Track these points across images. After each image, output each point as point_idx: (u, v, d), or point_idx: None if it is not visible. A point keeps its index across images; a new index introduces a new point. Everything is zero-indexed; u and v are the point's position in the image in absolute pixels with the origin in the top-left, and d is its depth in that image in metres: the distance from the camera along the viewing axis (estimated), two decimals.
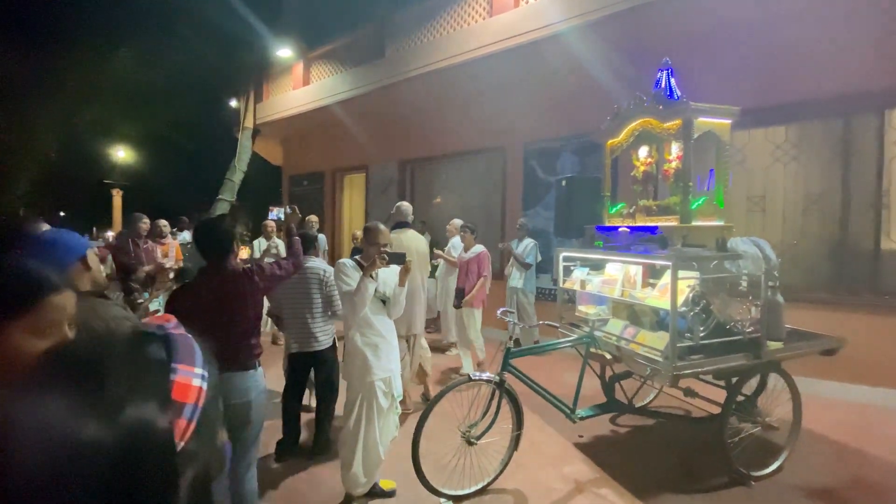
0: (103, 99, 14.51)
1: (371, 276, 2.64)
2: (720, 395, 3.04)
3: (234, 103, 11.49)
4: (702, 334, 2.65)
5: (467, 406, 2.88)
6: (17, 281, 0.96)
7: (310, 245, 3.40)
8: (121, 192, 18.92)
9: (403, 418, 3.14)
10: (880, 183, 4.28)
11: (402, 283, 2.75)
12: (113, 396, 0.46)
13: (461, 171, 7.69)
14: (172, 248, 5.23)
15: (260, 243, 6.58)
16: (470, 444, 2.84)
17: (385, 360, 2.71)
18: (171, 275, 4.64)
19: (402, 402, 3.33)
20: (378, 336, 2.71)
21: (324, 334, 3.31)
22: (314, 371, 3.39)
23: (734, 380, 2.92)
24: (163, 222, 5.25)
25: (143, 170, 18.92)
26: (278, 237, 6.49)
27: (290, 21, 10.60)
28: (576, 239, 3.78)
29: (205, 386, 0.55)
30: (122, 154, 18.40)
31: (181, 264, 5.01)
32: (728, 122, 2.88)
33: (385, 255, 2.62)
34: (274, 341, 6.43)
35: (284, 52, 9.54)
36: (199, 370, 0.55)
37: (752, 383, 3.02)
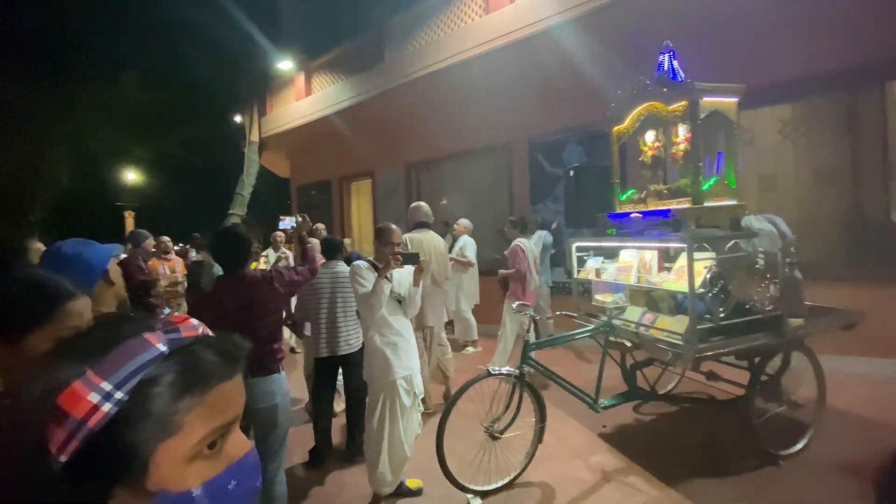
0: (112, 123, 14.86)
1: (386, 278, 2.67)
2: (743, 377, 3.02)
3: (238, 119, 11.67)
4: (721, 315, 2.63)
5: (489, 401, 2.90)
6: (33, 292, 0.98)
7: (336, 250, 3.48)
8: (133, 214, 19.27)
9: (424, 418, 3.15)
10: (887, 155, 4.22)
11: (416, 283, 2.77)
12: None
13: (467, 170, 7.71)
14: (178, 263, 5.29)
15: (269, 255, 6.66)
16: (494, 438, 2.85)
17: (405, 359, 2.74)
18: (181, 289, 4.71)
19: (423, 402, 3.35)
20: (397, 335, 2.74)
21: (355, 338, 3.34)
22: (345, 375, 3.41)
23: (757, 360, 2.89)
24: (166, 238, 5.29)
25: (153, 190, 19.29)
26: (286, 248, 6.57)
27: (289, 33, 10.75)
28: (587, 228, 3.77)
29: (107, 409, 0.46)
30: (132, 176, 18.76)
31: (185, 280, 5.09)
32: (734, 100, 2.86)
33: (399, 256, 2.65)
34: (292, 350, 6.50)
35: (285, 64, 9.67)
36: (107, 386, 0.46)
37: (776, 362, 2.99)
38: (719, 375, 3.23)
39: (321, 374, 3.44)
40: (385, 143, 8.75)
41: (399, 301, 2.80)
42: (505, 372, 2.87)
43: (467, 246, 5.66)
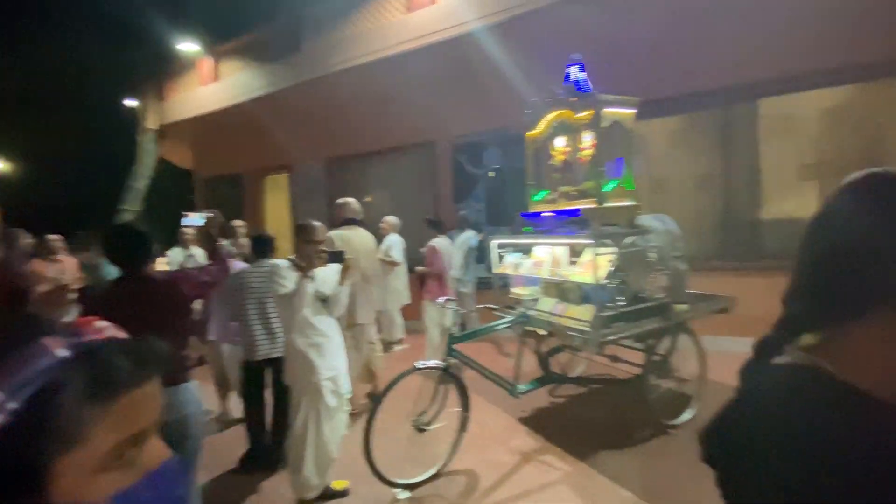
0: None
1: (308, 276, 2.60)
2: (639, 358, 3.40)
3: (132, 103, 10.42)
4: (621, 303, 2.94)
5: (416, 395, 2.95)
6: None
7: (267, 247, 3.30)
8: None
9: (351, 418, 3.13)
10: (756, 163, 5.00)
11: (342, 281, 2.74)
12: None
13: (391, 167, 7.67)
14: (70, 265, 4.71)
15: (175, 254, 6.08)
16: (421, 431, 2.92)
17: (330, 359, 2.69)
18: (73, 295, 4.15)
19: (349, 401, 3.32)
20: (321, 336, 2.68)
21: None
22: (275, 377, 3.23)
23: (650, 342, 3.27)
24: (54, 237, 4.73)
25: (24, 183, 16.43)
26: (197, 246, 6.06)
27: (193, 11, 9.82)
28: (506, 226, 3.98)
29: None
30: None
31: (79, 283, 4.51)
32: (632, 111, 3.19)
33: (323, 254, 2.59)
34: (201, 359, 6.00)
35: (188, 45, 8.82)
36: None
37: (666, 343, 3.41)
38: (620, 358, 3.61)
39: (251, 379, 3.26)
40: (304, 137, 8.39)
41: (323, 301, 2.74)
42: (431, 365, 2.94)
43: (394, 245, 5.63)
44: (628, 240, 3.06)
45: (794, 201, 4.94)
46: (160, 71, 9.86)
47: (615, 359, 3.59)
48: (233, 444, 3.33)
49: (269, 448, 3.25)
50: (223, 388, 4.06)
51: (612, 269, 2.92)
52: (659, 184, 5.52)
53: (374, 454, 2.71)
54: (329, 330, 2.73)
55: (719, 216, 5.25)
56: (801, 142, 4.89)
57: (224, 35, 8.66)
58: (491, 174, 4.00)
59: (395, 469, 2.81)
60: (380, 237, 6.01)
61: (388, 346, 5.93)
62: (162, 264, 6.12)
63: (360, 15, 6.72)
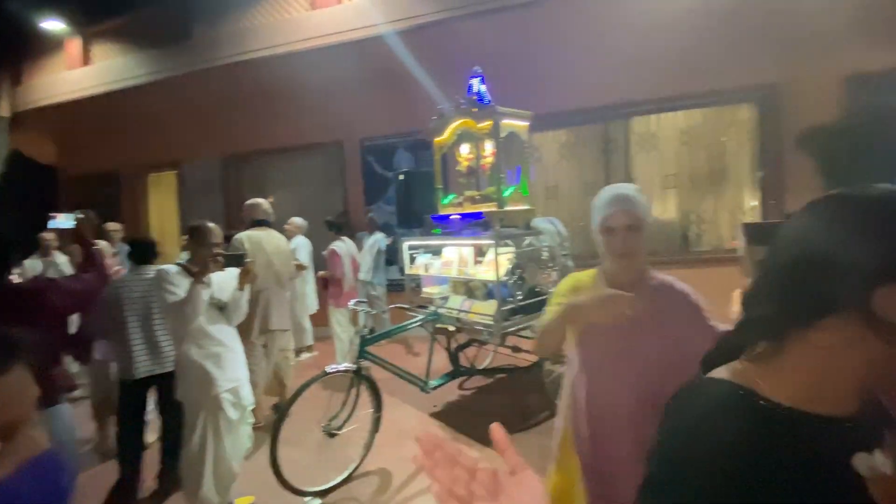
0: None
1: (203, 282, 2.44)
2: None
3: None
4: (520, 297, 3.22)
5: (326, 400, 2.92)
6: None
7: (148, 253, 2.96)
8: None
9: (256, 432, 2.98)
10: (628, 172, 5.75)
11: (241, 285, 2.61)
12: None
13: (297, 166, 7.38)
14: None
15: (32, 263, 5.23)
16: (331, 436, 2.89)
17: (230, 370, 2.55)
18: None
19: (253, 413, 3.16)
20: (218, 345, 2.53)
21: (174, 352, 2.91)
22: (163, 395, 2.91)
23: None
24: None
25: None
26: (64, 252, 5.29)
27: None
28: (417, 228, 4.10)
29: None
30: None
31: None
32: (526, 124, 3.50)
33: (220, 257, 2.46)
34: (70, 388, 5.22)
35: (52, 23, 7.60)
36: None
37: None
38: (521, 348, 3.92)
39: (129, 400, 2.89)
40: (197, 131, 7.71)
41: (220, 308, 2.59)
42: (342, 368, 2.93)
43: (300, 248, 5.45)
44: (525, 240, 3.35)
45: (659, 206, 5.77)
46: (15, 50, 8.35)
47: (516, 349, 3.89)
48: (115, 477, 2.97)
49: (160, 475, 2.96)
50: (103, 412, 3.60)
51: (512, 266, 3.18)
52: (550, 190, 6.08)
53: (281, 464, 2.63)
54: (227, 339, 2.58)
55: None
56: (664, 155, 5.74)
57: (96, 14, 7.62)
58: (401, 177, 4.08)
59: (305, 478, 2.75)
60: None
61: (297, 353, 5.71)
62: (14, 275, 5.23)
63: (261, 7, 6.40)
